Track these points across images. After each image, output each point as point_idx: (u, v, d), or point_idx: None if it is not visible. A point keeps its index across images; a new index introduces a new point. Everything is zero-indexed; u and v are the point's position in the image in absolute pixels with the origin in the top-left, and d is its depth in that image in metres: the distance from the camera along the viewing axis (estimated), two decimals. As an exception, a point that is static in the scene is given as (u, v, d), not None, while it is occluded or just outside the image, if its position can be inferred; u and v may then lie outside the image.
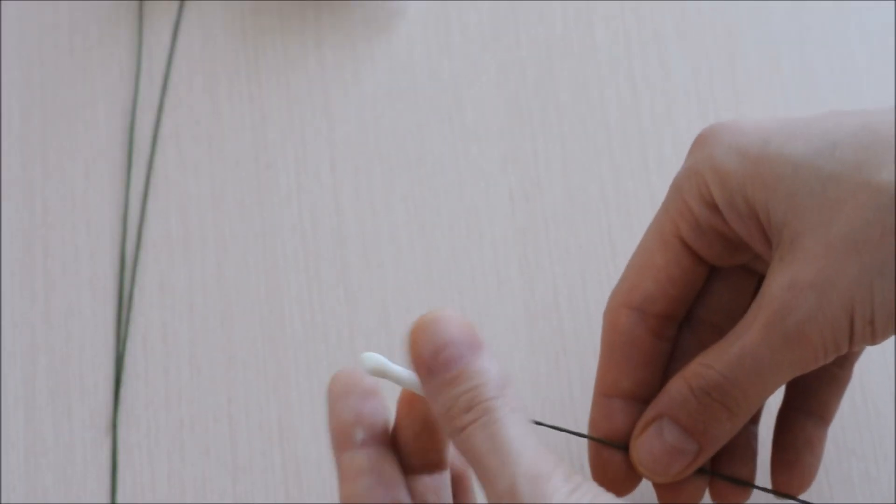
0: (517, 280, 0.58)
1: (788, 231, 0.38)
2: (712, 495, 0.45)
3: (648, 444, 0.42)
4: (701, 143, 0.44)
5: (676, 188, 0.44)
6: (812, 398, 0.47)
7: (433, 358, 0.37)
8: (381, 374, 0.40)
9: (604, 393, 0.45)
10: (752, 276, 0.45)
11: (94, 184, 0.60)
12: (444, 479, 0.42)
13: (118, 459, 0.55)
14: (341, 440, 0.39)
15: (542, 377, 0.56)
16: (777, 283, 0.39)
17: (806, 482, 0.47)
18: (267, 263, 0.59)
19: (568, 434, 0.45)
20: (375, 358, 0.40)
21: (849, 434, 0.56)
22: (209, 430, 0.56)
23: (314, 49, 0.63)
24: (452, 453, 0.42)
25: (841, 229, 0.36)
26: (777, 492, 0.46)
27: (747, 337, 0.39)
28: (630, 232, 0.59)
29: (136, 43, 0.63)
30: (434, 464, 0.41)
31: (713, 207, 0.42)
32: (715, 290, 0.45)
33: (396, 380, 0.40)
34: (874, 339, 0.39)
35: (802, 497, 0.48)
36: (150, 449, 0.56)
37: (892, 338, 0.57)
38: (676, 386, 0.42)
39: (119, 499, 0.55)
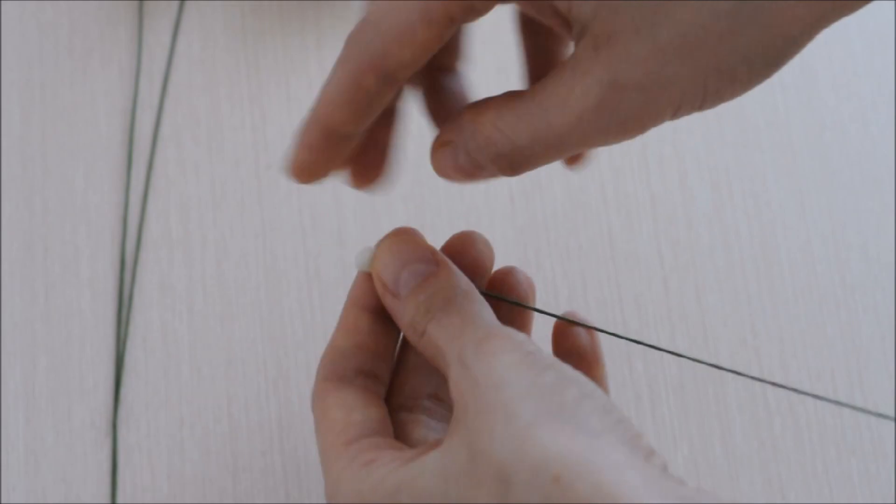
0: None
1: (601, 27, 0.35)
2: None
3: (442, 161, 0.40)
4: None
5: None
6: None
7: (395, 279, 0.40)
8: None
9: (325, 127, 0.39)
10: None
11: (94, 184, 0.60)
12: None
13: (118, 459, 0.55)
14: (357, 300, 0.43)
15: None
16: (594, 78, 0.35)
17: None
18: (267, 263, 0.59)
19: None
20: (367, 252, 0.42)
21: (849, 434, 0.56)
22: (209, 430, 0.56)
23: (314, 49, 0.63)
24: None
25: (670, 33, 0.34)
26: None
27: (555, 121, 0.36)
28: (630, 232, 0.59)
29: (136, 43, 0.63)
30: None
31: None
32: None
33: None
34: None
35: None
36: (150, 449, 0.56)
37: (893, 339, 0.57)
38: (472, 134, 0.39)
39: (119, 499, 0.55)
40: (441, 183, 0.60)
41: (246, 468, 0.55)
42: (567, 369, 0.36)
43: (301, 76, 0.62)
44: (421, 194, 0.60)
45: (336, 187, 0.60)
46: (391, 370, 0.43)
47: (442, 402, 0.43)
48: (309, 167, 0.39)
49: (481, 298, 0.40)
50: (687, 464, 0.56)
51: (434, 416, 0.42)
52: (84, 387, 0.57)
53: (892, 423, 0.56)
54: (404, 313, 0.40)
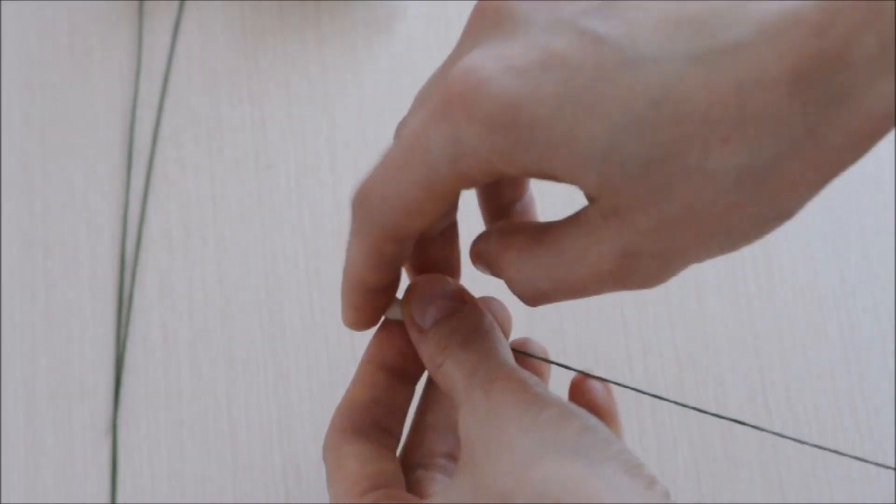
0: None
1: (607, 201, 0.35)
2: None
3: (477, 263, 0.42)
4: (457, 105, 0.35)
5: (451, 156, 0.36)
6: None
7: (422, 316, 0.41)
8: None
9: (358, 286, 0.42)
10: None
11: (94, 184, 0.60)
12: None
13: (118, 460, 0.55)
14: (372, 357, 0.43)
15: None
16: (608, 247, 0.35)
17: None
18: (267, 263, 0.59)
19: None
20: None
21: (849, 434, 0.56)
22: (209, 431, 0.56)
23: (314, 49, 0.62)
24: None
25: (676, 207, 0.34)
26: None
27: (574, 279, 0.37)
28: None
29: (136, 43, 0.62)
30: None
31: (499, 174, 0.36)
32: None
33: None
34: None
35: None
36: (150, 449, 0.56)
37: (893, 339, 0.57)
38: (497, 270, 0.41)
39: (119, 499, 0.55)
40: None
41: (246, 468, 0.55)
42: (571, 405, 0.37)
43: (301, 76, 0.62)
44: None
45: (336, 187, 0.60)
46: (403, 427, 0.44)
47: (457, 461, 0.44)
48: (361, 321, 0.42)
49: (502, 338, 0.41)
50: (687, 464, 0.56)
51: (449, 475, 0.43)
52: (84, 387, 0.57)
53: (892, 427, 0.56)
54: (426, 347, 0.41)
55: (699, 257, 0.36)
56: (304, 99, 0.61)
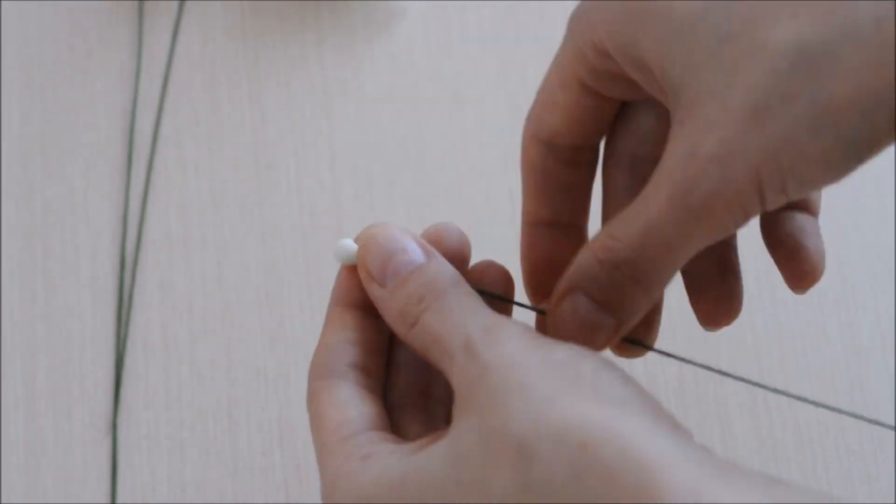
0: (518, 282, 0.58)
1: (687, 93, 0.35)
2: (612, 349, 0.44)
3: (564, 319, 0.39)
4: None
5: (571, 31, 0.41)
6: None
7: (382, 269, 0.39)
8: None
9: (528, 222, 0.45)
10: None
11: (94, 184, 0.60)
12: None
13: (118, 460, 0.55)
14: (341, 298, 0.41)
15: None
16: (678, 152, 0.35)
17: (816, 268, 0.43)
18: (267, 263, 0.59)
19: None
20: (352, 246, 0.41)
21: (849, 434, 0.56)
22: (209, 431, 0.56)
23: (314, 49, 0.62)
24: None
25: (740, 96, 0.33)
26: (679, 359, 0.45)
27: (652, 209, 0.36)
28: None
29: (136, 43, 0.62)
30: None
31: (607, 56, 0.39)
32: (633, 120, 0.43)
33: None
34: (785, 200, 0.36)
35: None
36: (151, 449, 0.56)
37: (893, 339, 0.57)
38: (585, 260, 0.38)
39: (119, 499, 0.55)
40: (441, 183, 0.60)
41: (246, 468, 0.55)
42: (579, 347, 0.35)
43: (301, 75, 0.62)
44: (421, 194, 0.60)
45: (336, 187, 0.60)
46: (383, 366, 0.42)
47: (433, 399, 0.42)
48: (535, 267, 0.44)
49: (472, 290, 0.39)
50: (687, 464, 0.56)
51: (426, 413, 0.41)
52: (84, 387, 0.57)
53: (892, 427, 0.56)
54: (393, 304, 0.38)
55: (761, 177, 0.34)
56: (304, 98, 0.61)
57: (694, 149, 0.35)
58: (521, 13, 0.63)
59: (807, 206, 0.43)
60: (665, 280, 0.38)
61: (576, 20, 0.40)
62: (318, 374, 0.39)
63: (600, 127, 0.43)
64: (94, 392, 0.56)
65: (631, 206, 0.37)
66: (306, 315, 0.58)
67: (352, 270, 0.41)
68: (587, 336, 0.39)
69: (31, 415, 0.56)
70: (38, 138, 0.61)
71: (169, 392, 0.56)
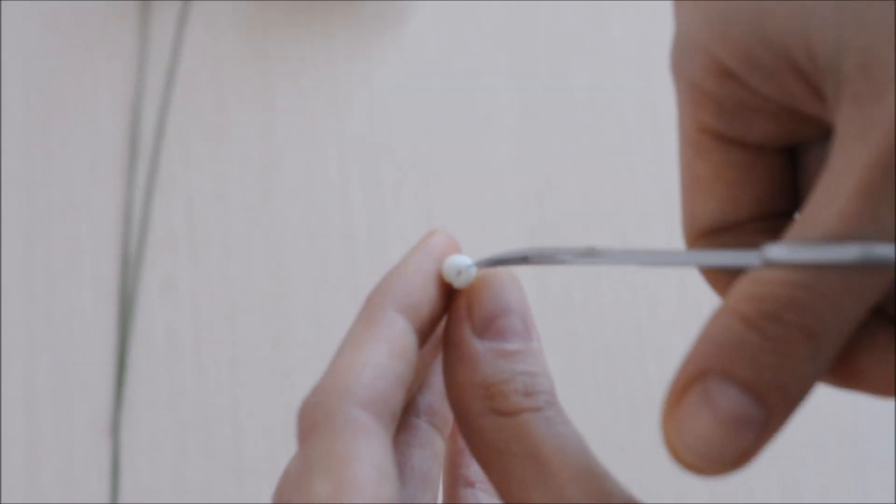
0: (530, 280, 0.58)
1: (850, 61, 0.27)
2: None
3: (691, 422, 0.29)
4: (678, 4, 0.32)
5: (677, 73, 0.33)
6: None
7: (492, 319, 0.31)
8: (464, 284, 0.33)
9: (697, 233, 0.34)
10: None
11: (97, 180, 0.60)
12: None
13: (120, 461, 0.55)
14: (406, 302, 0.31)
15: (554, 378, 0.56)
16: (867, 128, 0.27)
17: None
18: (273, 262, 0.58)
19: None
20: (472, 266, 0.33)
21: (849, 434, 0.56)
22: (213, 432, 0.56)
23: (324, 45, 0.62)
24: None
25: None
26: None
27: (826, 219, 0.27)
28: (646, 232, 0.58)
29: (142, 37, 0.62)
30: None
31: (727, 75, 0.31)
32: (806, 172, 0.33)
33: None
34: None
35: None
36: (153, 451, 0.55)
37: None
38: (722, 323, 0.28)
39: (120, 500, 0.55)
40: (451, 181, 0.60)
41: (250, 471, 0.55)
42: None
43: (310, 71, 0.62)
44: (431, 192, 0.60)
45: (344, 184, 0.60)
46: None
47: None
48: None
49: None
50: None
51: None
52: (85, 387, 0.56)
53: (892, 427, 0.55)
54: (482, 370, 0.30)
55: None
56: (313, 95, 0.61)
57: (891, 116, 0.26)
58: (535, 9, 0.63)
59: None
60: (846, 326, 0.27)
61: (678, 52, 0.33)
62: (365, 400, 0.29)
63: (765, 192, 0.32)
64: (96, 392, 0.56)
65: (789, 231, 0.28)
66: (313, 315, 0.57)
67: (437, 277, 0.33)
68: (725, 441, 0.28)
69: (32, 415, 0.56)
70: (39, 133, 0.61)
71: (172, 393, 0.56)
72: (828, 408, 0.57)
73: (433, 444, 0.34)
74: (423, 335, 0.31)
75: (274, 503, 0.30)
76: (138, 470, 0.55)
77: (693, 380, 0.29)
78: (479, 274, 0.33)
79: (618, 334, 0.57)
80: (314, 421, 0.29)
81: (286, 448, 0.55)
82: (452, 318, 0.32)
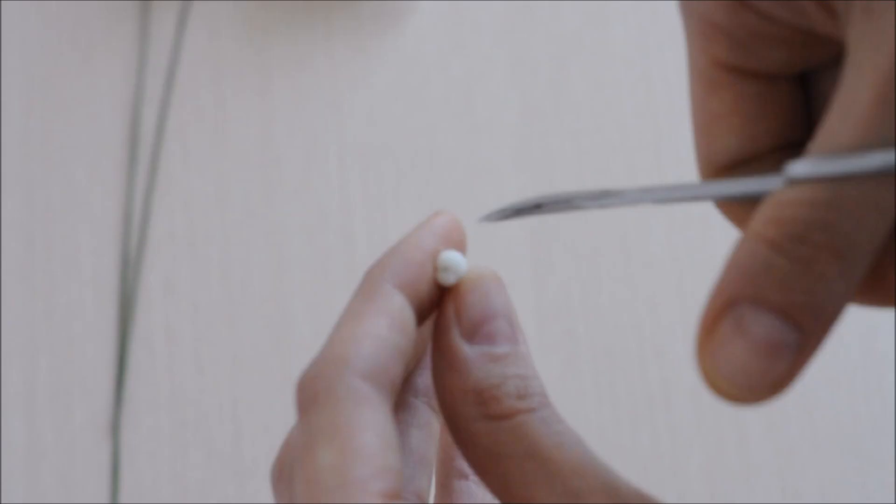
0: (528, 281, 0.58)
1: None
2: None
3: (726, 352, 0.28)
4: None
5: (685, 10, 0.32)
6: None
7: (480, 323, 0.31)
8: (455, 275, 0.32)
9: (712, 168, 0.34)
10: None
11: (97, 180, 0.60)
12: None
13: (120, 461, 0.55)
14: (405, 277, 0.31)
15: (554, 379, 0.56)
16: (881, 35, 0.26)
17: None
18: (273, 262, 0.58)
19: None
20: (463, 263, 0.32)
21: (849, 434, 0.56)
22: (213, 432, 0.55)
23: (323, 44, 0.62)
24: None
25: None
26: None
27: (848, 127, 0.27)
28: (645, 232, 0.58)
29: (141, 37, 0.62)
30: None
31: (738, 3, 0.30)
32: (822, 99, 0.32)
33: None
34: None
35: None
36: (153, 451, 0.55)
37: (893, 339, 0.56)
38: (748, 249, 0.28)
39: (120, 500, 0.55)
40: (451, 181, 0.60)
41: (250, 471, 0.55)
42: None
43: (310, 70, 0.62)
44: (430, 191, 0.60)
45: (344, 185, 0.60)
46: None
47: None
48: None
49: None
50: (701, 470, 0.55)
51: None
52: (85, 387, 0.56)
53: (892, 427, 0.55)
54: (473, 375, 0.30)
55: None
56: (312, 94, 0.61)
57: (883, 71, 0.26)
58: (535, 10, 0.63)
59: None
60: (874, 242, 0.27)
61: None
62: (368, 371, 0.29)
63: (780, 122, 0.32)
64: (96, 392, 0.56)
65: (810, 148, 0.28)
66: (313, 314, 0.57)
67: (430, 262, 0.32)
68: (762, 367, 0.28)
69: (32, 415, 0.56)
70: (39, 133, 0.61)
71: (172, 393, 0.56)
72: (828, 408, 0.56)
73: (430, 425, 0.34)
74: (422, 313, 0.31)
75: (275, 473, 0.30)
76: (138, 470, 0.55)
77: (724, 309, 0.28)
78: (465, 277, 0.32)
79: (618, 335, 0.57)
80: (315, 392, 0.28)
81: (286, 448, 0.55)
82: (440, 323, 0.31)
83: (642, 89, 0.61)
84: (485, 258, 0.60)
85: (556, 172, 0.59)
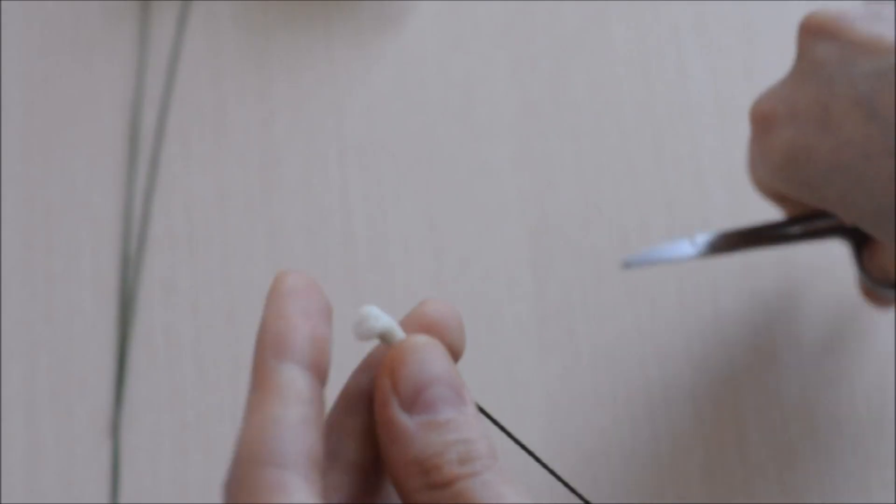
0: (528, 281, 0.58)
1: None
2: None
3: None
4: (756, 135, 0.47)
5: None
6: None
7: (418, 392, 0.31)
8: (384, 339, 0.32)
9: None
10: None
11: (97, 180, 0.60)
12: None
13: (120, 461, 0.55)
14: (280, 347, 0.31)
15: (553, 380, 0.56)
16: None
17: None
18: (273, 262, 0.58)
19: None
20: (381, 318, 0.32)
21: (849, 434, 0.55)
22: (213, 432, 0.55)
23: (323, 44, 0.62)
24: None
25: None
26: None
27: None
28: (645, 233, 0.58)
29: (141, 37, 0.62)
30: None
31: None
32: None
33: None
34: None
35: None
36: (153, 451, 0.55)
37: (893, 339, 0.56)
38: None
39: (120, 500, 0.55)
40: (451, 181, 0.60)
41: (250, 471, 0.55)
42: None
43: (310, 71, 0.61)
44: (430, 192, 0.59)
45: (344, 185, 0.59)
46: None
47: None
48: None
49: None
50: (701, 470, 0.55)
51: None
52: (85, 387, 0.56)
53: (892, 427, 0.55)
54: (415, 445, 0.30)
55: None
56: (313, 95, 0.61)
57: None
58: (535, 9, 0.63)
59: None
60: None
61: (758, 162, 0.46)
62: (267, 460, 0.29)
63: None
64: (96, 392, 0.56)
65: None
66: (313, 315, 0.57)
67: (295, 304, 0.32)
68: None
69: (32, 415, 0.56)
70: (39, 132, 0.61)
71: (172, 393, 0.56)
72: (828, 408, 0.56)
73: None
74: (321, 369, 0.31)
75: None
76: (138, 470, 0.55)
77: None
78: (398, 346, 0.32)
79: (618, 335, 0.57)
80: (232, 494, 0.29)
81: (286, 448, 0.55)
82: (377, 397, 0.31)
83: (642, 89, 0.61)
84: (485, 258, 0.60)
85: (556, 172, 0.59)
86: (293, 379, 0.30)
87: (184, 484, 0.55)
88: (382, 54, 0.62)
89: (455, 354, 0.33)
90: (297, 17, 0.63)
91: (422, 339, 0.32)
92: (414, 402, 0.31)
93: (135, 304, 0.58)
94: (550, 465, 0.35)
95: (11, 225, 0.59)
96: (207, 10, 0.62)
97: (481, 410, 0.32)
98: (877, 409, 0.56)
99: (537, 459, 0.34)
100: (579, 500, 0.34)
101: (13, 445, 0.55)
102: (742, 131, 0.61)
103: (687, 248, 0.49)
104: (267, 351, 0.31)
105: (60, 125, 0.61)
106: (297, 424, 0.29)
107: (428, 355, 0.31)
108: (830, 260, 0.59)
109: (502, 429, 0.34)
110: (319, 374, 0.31)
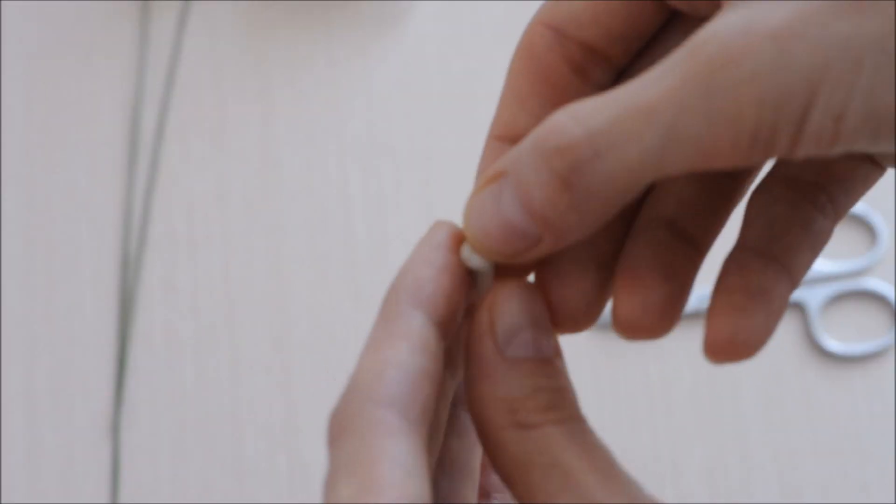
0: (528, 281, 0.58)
1: None
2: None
3: (478, 209, 0.31)
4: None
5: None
6: (776, 239, 0.33)
7: (515, 332, 0.30)
8: (479, 276, 0.32)
9: (496, 135, 0.36)
10: None
11: (97, 180, 0.60)
12: None
13: (120, 461, 0.55)
14: (419, 295, 0.30)
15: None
16: (722, 24, 0.27)
17: (750, 339, 0.32)
18: (274, 262, 0.58)
19: None
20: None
21: (849, 434, 0.56)
22: (213, 432, 0.55)
23: (323, 45, 0.62)
24: None
25: None
26: None
27: (650, 91, 0.27)
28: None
29: (142, 37, 0.62)
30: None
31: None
32: (672, 40, 0.33)
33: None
34: (832, 143, 0.27)
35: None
36: (153, 450, 0.55)
37: (893, 339, 0.56)
38: (526, 140, 0.30)
39: (120, 500, 0.55)
40: (451, 181, 0.60)
41: (250, 471, 0.55)
42: None
43: (310, 71, 0.61)
44: (430, 191, 0.60)
45: (344, 185, 0.60)
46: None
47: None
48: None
49: None
50: (701, 470, 0.55)
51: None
52: (85, 387, 0.56)
53: (892, 426, 0.55)
54: (504, 385, 0.30)
55: (824, 73, 0.26)
56: (312, 95, 0.61)
57: (749, 24, 0.26)
58: (533, 10, 0.63)
59: (788, 260, 0.33)
60: (608, 203, 0.29)
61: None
62: (382, 400, 0.28)
63: (631, 32, 0.33)
64: (96, 392, 0.56)
65: (620, 87, 0.28)
66: (313, 315, 0.57)
67: (457, 265, 0.31)
68: (505, 238, 0.30)
69: (32, 415, 0.56)
70: (39, 133, 0.61)
71: (172, 393, 0.56)
72: (827, 408, 0.56)
73: (470, 433, 0.33)
74: (445, 326, 0.30)
75: None
76: (138, 470, 0.55)
77: (497, 175, 0.31)
78: (501, 285, 0.31)
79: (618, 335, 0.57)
80: (340, 426, 0.28)
81: (286, 448, 0.55)
82: (473, 331, 0.31)
83: (642, 89, 0.61)
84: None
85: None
86: (424, 329, 0.29)
87: (184, 484, 0.55)
88: (382, 54, 0.62)
89: None
90: (297, 18, 0.63)
91: (524, 282, 0.32)
92: (508, 342, 0.30)
93: (135, 304, 0.58)
94: None
95: (12, 225, 0.59)
96: (207, 10, 0.62)
97: None
98: (877, 409, 0.56)
99: None
100: None
101: (13, 445, 0.55)
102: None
103: None
104: (404, 293, 0.30)
105: (61, 125, 0.61)
106: (419, 375, 0.28)
107: (528, 299, 0.31)
108: (830, 259, 0.59)
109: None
110: (445, 335, 0.30)
